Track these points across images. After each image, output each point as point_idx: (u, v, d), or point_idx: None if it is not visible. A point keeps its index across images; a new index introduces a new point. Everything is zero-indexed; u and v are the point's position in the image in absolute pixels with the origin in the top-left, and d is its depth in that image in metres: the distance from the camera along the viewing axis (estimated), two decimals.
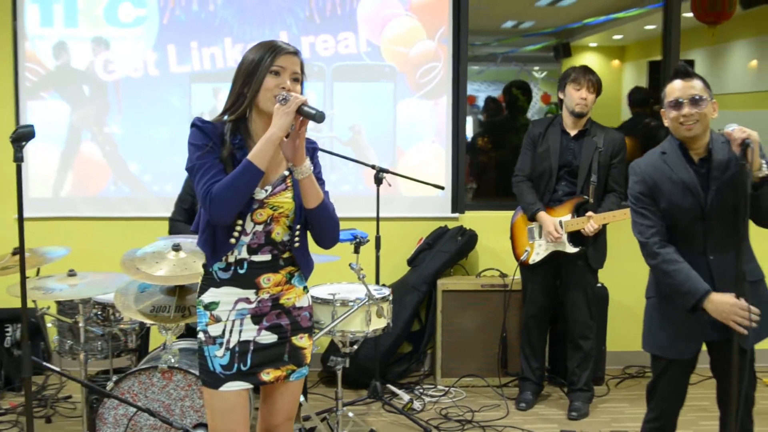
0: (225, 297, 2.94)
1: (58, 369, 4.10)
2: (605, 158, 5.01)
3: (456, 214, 5.91)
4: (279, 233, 2.95)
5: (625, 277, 5.66)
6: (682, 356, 3.59)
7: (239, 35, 5.70)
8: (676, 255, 3.47)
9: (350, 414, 4.77)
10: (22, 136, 2.88)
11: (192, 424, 3.90)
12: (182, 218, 4.94)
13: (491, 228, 5.86)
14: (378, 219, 5.13)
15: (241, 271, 2.94)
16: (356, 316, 4.47)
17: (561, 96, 5.10)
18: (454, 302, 5.56)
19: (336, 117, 5.77)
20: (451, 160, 5.87)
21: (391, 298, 4.62)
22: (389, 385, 5.34)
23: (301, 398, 4.35)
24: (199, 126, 2.90)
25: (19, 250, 3.12)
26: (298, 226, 2.99)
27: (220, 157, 2.86)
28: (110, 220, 5.76)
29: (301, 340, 3.04)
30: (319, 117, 2.78)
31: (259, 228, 2.92)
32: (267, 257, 2.95)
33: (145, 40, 5.69)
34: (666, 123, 3.55)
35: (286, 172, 2.95)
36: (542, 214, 5.05)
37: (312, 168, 2.88)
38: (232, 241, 2.90)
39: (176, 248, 3.98)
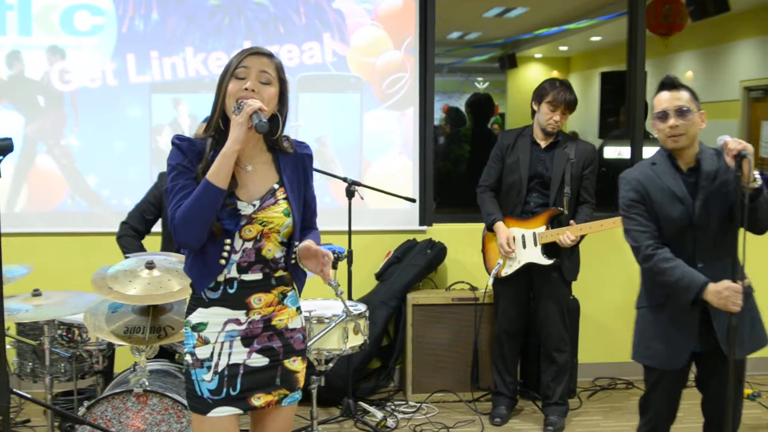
0: (214, 318, 2.79)
1: (28, 395, 3.89)
2: (577, 169, 4.97)
3: (424, 227, 5.82)
4: (270, 250, 2.81)
5: (594, 288, 5.65)
6: (673, 366, 3.58)
7: (201, 45, 5.54)
8: (670, 254, 3.47)
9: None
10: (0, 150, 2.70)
11: None
12: (142, 228, 4.77)
13: (459, 240, 5.79)
14: (350, 233, 5.02)
15: (231, 291, 2.78)
16: (333, 334, 4.37)
17: (535, 107, 5.05)
18: (425, 316, 5.46)
19: (302, 129, 5.64)
20: (419, 172, 5.78)
21: (367, 314, 4.52)
22: (361, 403, 5.21)
23: None
24: (176, 144, 2.76)
25: None
26: (297, 243, 2.85)
27: (195, 176, 2.71)
28: (68, 236, 5.53)
29: (294, 364, 2.90)
30: (258, 127, 2.61)
31: (249, 245, 2.77)
32: (258, 276, 2.79)
33: (103, 50, 5.49)
34: (655, 134, 3.56)
35: (276, 185, 2.81)
36: (499, 225, 4.99)
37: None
38: (222, 262, 2.75)
39: (150, 266, 3.82)
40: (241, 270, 2.77)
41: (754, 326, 3.57)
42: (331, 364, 4.49)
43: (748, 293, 3.48)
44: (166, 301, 3.73)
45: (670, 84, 3.53)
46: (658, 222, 3.53)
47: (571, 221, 4.93)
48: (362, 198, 5.01)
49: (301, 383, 2.93)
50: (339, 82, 5.66)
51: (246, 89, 2.71)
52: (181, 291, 3.72)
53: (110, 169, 5.55)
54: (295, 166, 2.90)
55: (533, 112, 5.09)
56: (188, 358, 2.80)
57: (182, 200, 2.66)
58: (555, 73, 13.69)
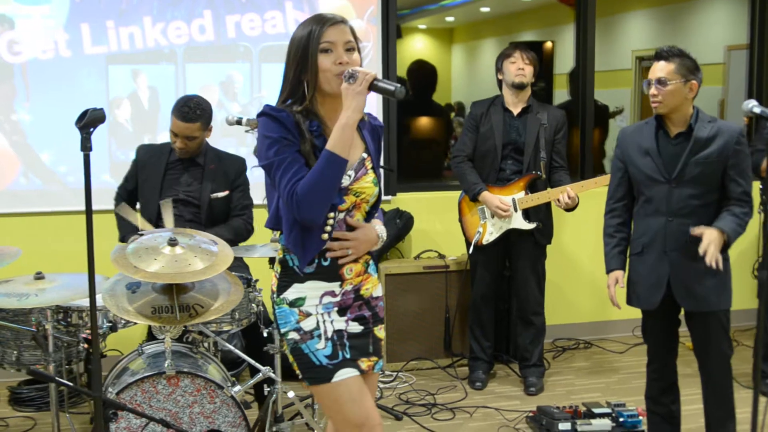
0: (311, 292, 2.75)
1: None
2: (550, 134, 5.08)
3: (389, 197, 5.82)
4: (358, 219, 2.80)
5: (551, 252, 5.79)
6: (650, 306, 3.89)
7: (159, 14, 5.32)
8: (613, 228, 4.00)
9: (316, 406, 4.60)
10: (93, 121, 2.52)
11: (203, 431, 3.62)
12: (124, 197, 4.65)
13: (423, 209, 5.82)
14: None
15: (325, 264, 2.75)
16: None
17: (500, 76, 5.13)
18: (397, 286, 5.47)
19: (265, 100, 5.51)
20: (383, 142, 5.75)
21: None
22: None
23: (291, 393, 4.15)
24: (273, 115, 2.67)
25: None
26: (375, 213, 2.87)
27: (300, 150, 2.65)
28: (23, 216, 5.24)
29: (381, 332, 2.92)
30: (399, 92, 2.60)
31: (341, 216, 2.75)
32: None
33: (56, 19, 5.20)
34: None
35: (365, 155, 2.79)
36: (485, 194, 5.05)
37: None
38: (325, 236, 2.71)
39: (173, 243, 3.67)
40: (335, 238, 2.74)
41: (718, 286, 3.79)
42: None
43: (724, 257, 3.75)
44: (195, 279, 3.60)
45: (661, 54, 3.83)
46: (633, 179, 3.90)
47: (548, 188, 5.05)
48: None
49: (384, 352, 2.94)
50: None
51: (341, 63, 2.65)
52: (206, 269, 3.61)
53: (66, 145, 5.26)
54: (372, 134, 2.89)
55: (499, 82, 5.17)
56: (293, 335, 2.74)
57: (298, 173, 2.60)
58: (441, 44, 13.82)
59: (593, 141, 6.40)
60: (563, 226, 5.88)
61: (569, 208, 4.95)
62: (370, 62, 5.65)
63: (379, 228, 2.87)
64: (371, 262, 2.89)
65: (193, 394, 3.61)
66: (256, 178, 5.14)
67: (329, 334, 2.75)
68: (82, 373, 4.44)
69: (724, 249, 3.71)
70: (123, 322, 4.02)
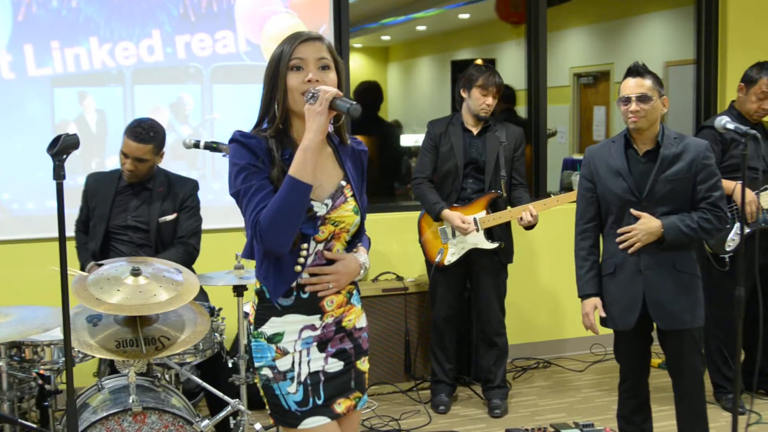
0: (289, 326, 2.60)
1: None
2: (509, 152, 5.05)
3: None
4: (339, 250, 2.65)
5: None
6: (625, 327, 3.86)
7: (106, 34, 5.14)
8: (585, 251, 3.94)
9: None
10: (66, 148, 2.37)
11: None
12: (83, 230, 4.54)
13: (378, 230, 5.72)
14: None
15: (304, 296, 2.60)
16: None
17: (464, 95, 5.08)
18: None
19: (217, 122, 5.38)
20: None
21: None
22: None
23: (258, 425, 4.02)
24: (241, 141, 2.53)
25: None
26: (358, 242, 2.74)
27: (269, 176, 2.51)
28: None
29: (364, 364, 2.78)
30: (353, 110, 2.42)
31: (320, 247, 2.60)
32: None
33: None
34: (621, 114, 3.84)
35: (343, 182, 2.65)
36: (446, 212, 4.98)
37: None
38: (298, 268, 2.57)
39: (135, 273, 3.52)
40: (313, 273, 2.60)
41: (691, 304, 3.80)
42: None
43: (691, 274, 3.81)
44: (161, 311, 3.46)
45: (635, 71, 3.84)
46: (602, 199, 3.89)
47: (508, 206, 5.01)
48: None
49: (367, 384, 2.81)
50: (254, 72, 5.43)
51: (309, 81, 2.51)
52: (173, 300, 3.47)
53: (9, 171, 5.06)
54: (353, 159, 2.75)
55: (461, 100, 5.12)
56: (267, 372, 2.60)
57: (263, 201, 2.47)
58: (377, 63, 13.81)
59: (546, 158, 6.40)
60: (516, 244, 5.84)
61: (530, 226, 4.91)
62: None
63: (362, 258, 2.73)
64: (354, 292, 2.76)
65: (161, 431, 3.45)
66: (209, 201, 5.06)
67: (302, 378, 2.60)
68: (32, 409, 4.24)
69: (660, 244, 3.73)
70: (81, 356, 3.85)
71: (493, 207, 5.01)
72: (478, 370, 5.46)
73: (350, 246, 2.71)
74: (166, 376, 3.95)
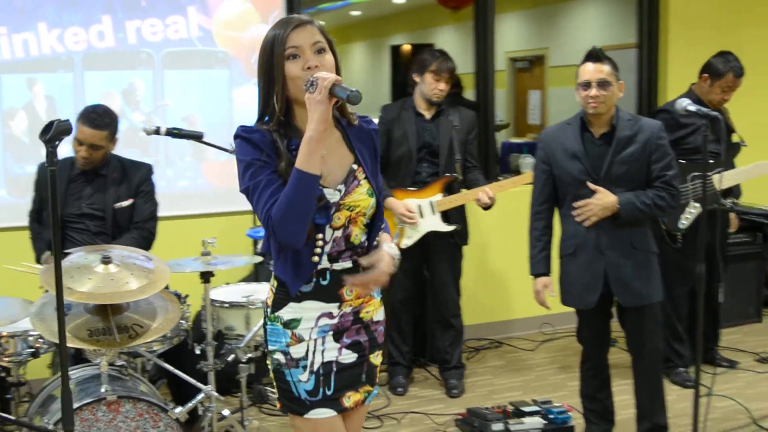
0: (307, 313, 2.58)
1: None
2: (462, 135, 5.12)
3: None
4: (357, 235, 2.61)
5: None
6: (587, 306, 3.97)
7: (55, 20, 5.05)
8: (539, 231, 4.06)
9: (255, 422, 4.49)
10: (59, 134, 2.33)
11: None
12: (37, 220, 4.50)
13: None
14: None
15: (324, 283, 2.57)
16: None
17: (417, 79, 5.12)
18: None
19: (169, 108, 5.33)
20: None
21: None
22: (266, 388, 5.06)
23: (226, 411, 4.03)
24: (245, 137, 2.49)
25: None
26: (382, 225, 2.70)
27: (277, 170, 2.48)
28: None
29: (377, 358, 2.75)
30: (353, 97, 2.38)
31: (339, 233, 2.56)
32: (348, 264, 2.59)
33: None
34: (577, 99, 3.92)
35: (354, 165, 2.61)
36: (390, 201, 5.00)
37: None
38: (315, 259, 2.55)
39: (106, 261, 3.49)
40: (332, 259, 2.58)
41: (650, 280, 3.94)
42: (259, 351, 4.32)
43: (648, 251, 3.94)
44: (134, 299, 3.43)
45: (594, 56, 3.90)
46: (559, 181, 3.98)
47: (462, 189, 5.08)
48: None
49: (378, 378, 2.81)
50: (206, 57, 5.40)
51: (309, 68, 2.47)
52: (145, 287, 3.45)
53: None
54: (363, 140, 2.69)
55: (414, 84, 5.16)
56: (279, 357, 2.59)
57: (273, 195, 2.44)
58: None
59: (494, 143, 6.49)
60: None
61: (487, 207, 4.98)
62: None
63: (391, 250, 2.67)
64: None
65: (135, 420, 3.44)
66: (162, 188, 5.02)
67: (315, 367, 2.59)
68: None
69: (615, 220, 3.84)
70: (45, 347, 3.81)
71: (449, 190, 5.07)
72: (434, 352, 5.53)
73: (369, 229, 2.66)
74: (132, 365, 3.93)
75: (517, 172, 7.95)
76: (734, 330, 6.10)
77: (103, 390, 3.42)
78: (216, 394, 3.81)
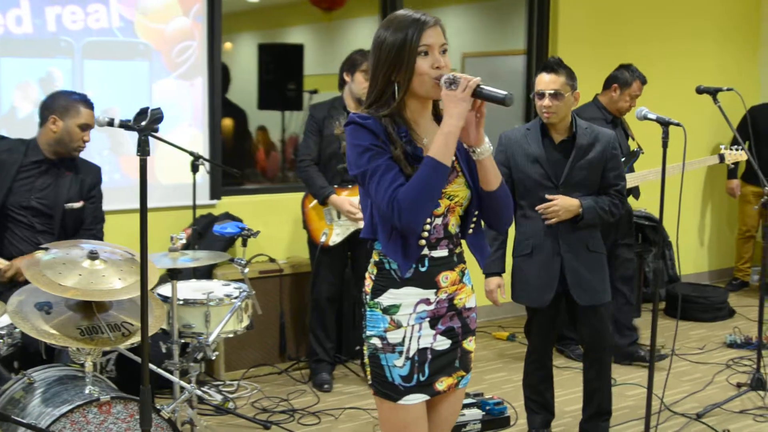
0: (407, 299, 2.66)
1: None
2: None
3: (214, 201, 5.63)
4: (453, 224, 2.73)
5: None
6: (542, 304, 4.17)
7: None
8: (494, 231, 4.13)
9: (203, 421, 4.41)
10: (154, 121, 2.25)
11: None
12: None
13: (248, 212, 5.71)
14: (195, 207, 4.75)
15: (423, 269, 2.67)
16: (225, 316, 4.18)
17: (347, 78, 5.18)
18: None
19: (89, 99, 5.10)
20: (209, 144, 5.57)
21: (253, 293, 4.40)
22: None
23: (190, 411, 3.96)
24: (360, 123, 2.59)
25: None
26: (476, 212, 2.78)
27: (392, 156, 2.59)
28: None
29: (470, 344, 2.85)
30: (508, 99, 2.53)
31: (438, 221, 2.69)
32: (444, 252, 2.71)
33: None
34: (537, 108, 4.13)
35: (453, 157, 2.70)
36: (333, 197, 5.09)
37: (491, 147, 2.70)
38: (422, 243, 2.65)
39: (93, 256, 3.36)
40: (431, 246, 2.68)
41: (603, 280, 4.19)
42: (216, 351, 4.27)
43: (601, 253, 4.19)
44: (128, 296, 3.32)
45: (550, 67, 4.11)
46: (519, 185, 4.13)
47: None
48: (208, 171, 4.78)
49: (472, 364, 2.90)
50: (127, 49, 5.22)
51: (439, 67, 2.61)
52: (137, 284, 3.35)
53: None
54: None
55: (343, 83, 5.23)
56: (376, 341, 2.66)
57: (396, 180, 2.54)
58: None
59: None
60: None
61: None
62: (196, 61, 5.44)
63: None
64: (467, 271, 2.83)
65: (126, 420, 3.33)
66: (116, 181, 4.87)
67: (411, 353, 2.67)
68: None
69: (575, 223, 4.04)
70: (6, 347, 3.61)
71: None
72: (351, 348, 5.61)
73: (463, 221, 2.77)
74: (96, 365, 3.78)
75: None
76: None
77: (87, 391, 3.30)
78: (199, 392, 3.74)
